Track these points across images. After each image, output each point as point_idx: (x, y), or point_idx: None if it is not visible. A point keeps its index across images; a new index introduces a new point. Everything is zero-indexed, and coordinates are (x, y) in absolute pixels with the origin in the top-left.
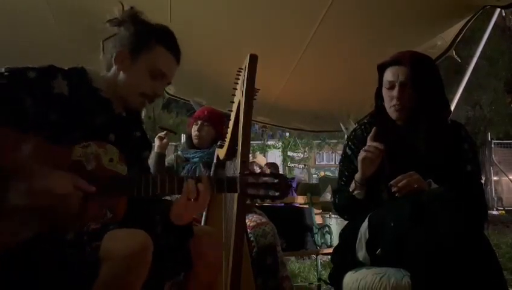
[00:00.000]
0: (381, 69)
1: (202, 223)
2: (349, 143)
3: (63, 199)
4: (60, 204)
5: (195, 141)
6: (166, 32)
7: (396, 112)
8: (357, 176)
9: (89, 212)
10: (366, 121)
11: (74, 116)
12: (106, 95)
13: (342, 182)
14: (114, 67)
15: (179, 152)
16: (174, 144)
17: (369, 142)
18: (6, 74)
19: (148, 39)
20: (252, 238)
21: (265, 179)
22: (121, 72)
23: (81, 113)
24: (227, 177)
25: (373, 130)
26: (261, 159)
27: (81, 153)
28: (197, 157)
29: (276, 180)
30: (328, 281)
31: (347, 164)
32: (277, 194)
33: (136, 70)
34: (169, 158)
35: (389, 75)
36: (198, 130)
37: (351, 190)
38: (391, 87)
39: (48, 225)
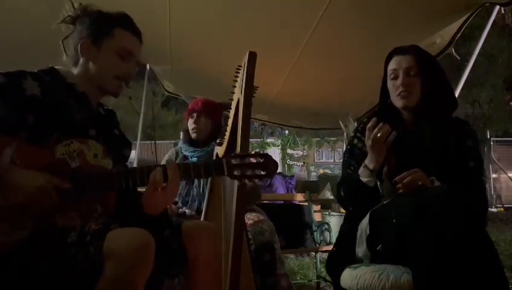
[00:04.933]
0: (386, 62)
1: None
2: (358, 134)
3: (36, 194)
4: (34, 199)
5: (193, 135)
6: (121, 16)
7: (403, 99)
8: (369, 163)
9: (79, 208)
10: (373, 113)
11: (51, 115)
12: (81, 88)
13: (350, 171)
14: (81, 60)
15: (179, 145)
16: (173, 141)
17: (371, 130)
18: None
19: (105, 25)
20: (249, 236)
21: (251, 159)
22: (90, 62)
23: (58, 111)
24: (214, 160)
25: (372, 120)
26: None
27: (64, 151)
28: (196, 157)
29: (262, 160)
30: (327, 279)
31: (354, 154)
32: (264, 173)
33: (104, 56)
34: (170, 152)
35: (392, 64)
36: (195, 122)
37: (362, 178)
38: (395, 76)
39: (42, 225)
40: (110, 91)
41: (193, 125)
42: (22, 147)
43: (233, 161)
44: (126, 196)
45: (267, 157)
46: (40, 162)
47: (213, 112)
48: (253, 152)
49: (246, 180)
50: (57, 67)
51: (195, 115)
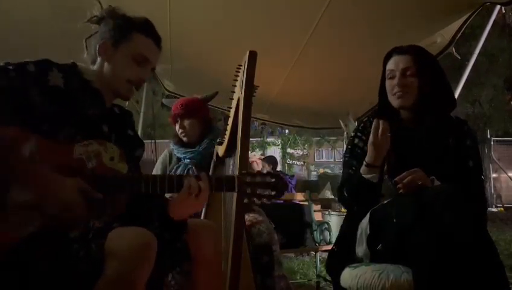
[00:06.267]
0: (385, 62)
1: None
2: (358, 134)
3: (67, 205)
4: (64, 209)
5: (184, 139)
6: (143, 21)
7: (398, 99)
8: (371, 160)
9: (91, 211)
10: (373, 112)
11: (70, 108)
12: (96, 86)
13: (351, 171)
14: (99, 59)
15: (171, 147)
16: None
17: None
18: (10, 67)
19: (127, 29)
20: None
21: (262, 178)
22: (106, 62)
23: (76, 105)
24: (226, 176)
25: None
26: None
27: (82, 151)
28: (188, 158)
29: (273, 180)
30: (327, 278)
31: (356, 153)
32: (274, 193)
33: (120, 59)
34: (163, 155)
35: (390, 64)
36: (181, 127)
37: (364, 175)
38: (392, 76)
39: (51, 223)
40: (121, 94)
41: (180, 130)
42: (41, 143)
43: (245, 179)
44: (137, 199)
45: (278, 177)
46: (58, 159)
47: (196, 111)
48: (265, 171)
49: (255, 199)
50: (76, 63)
51: (179, 119)
